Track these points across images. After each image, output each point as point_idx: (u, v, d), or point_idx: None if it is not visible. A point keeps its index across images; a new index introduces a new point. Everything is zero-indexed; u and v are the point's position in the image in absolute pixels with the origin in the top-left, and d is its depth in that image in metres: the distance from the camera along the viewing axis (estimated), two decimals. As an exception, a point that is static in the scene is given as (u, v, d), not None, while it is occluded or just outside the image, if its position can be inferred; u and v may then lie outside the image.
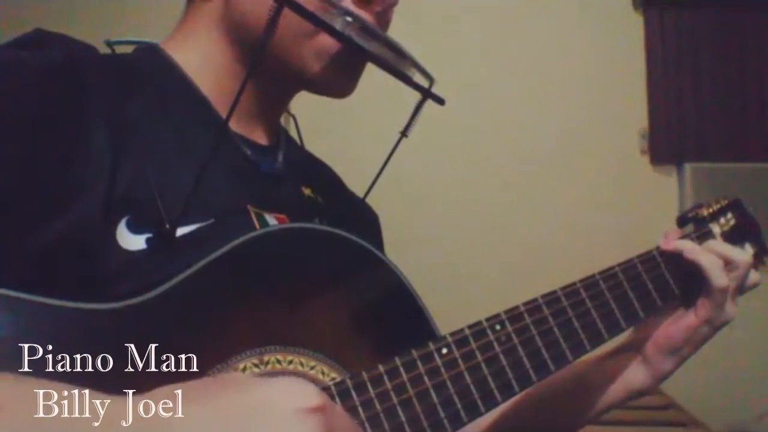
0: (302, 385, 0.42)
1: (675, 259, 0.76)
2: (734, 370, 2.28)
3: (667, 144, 2.53)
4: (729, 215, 0.84)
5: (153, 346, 0.50)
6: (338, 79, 0.67)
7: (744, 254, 0.76)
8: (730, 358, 2.18)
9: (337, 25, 0.61)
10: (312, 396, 0.41)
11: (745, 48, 2.55)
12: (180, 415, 0.39)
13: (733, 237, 0.82)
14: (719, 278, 0.73)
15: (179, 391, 0.41)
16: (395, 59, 0.65)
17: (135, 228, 0.54)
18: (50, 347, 0.46)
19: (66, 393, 0.39)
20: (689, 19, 2.57)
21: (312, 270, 0.59)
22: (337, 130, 2.27)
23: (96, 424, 0.38)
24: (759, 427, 2.26)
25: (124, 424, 0.38)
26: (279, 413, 0.40)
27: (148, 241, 0.54)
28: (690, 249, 0.75)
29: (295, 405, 0.40)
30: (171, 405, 0.40)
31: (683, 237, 0.79)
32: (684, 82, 2.55)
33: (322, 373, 0.57)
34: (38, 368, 0.43)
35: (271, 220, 0.64)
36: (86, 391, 0.40)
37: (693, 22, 2.57)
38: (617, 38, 2.59)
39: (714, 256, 0.74)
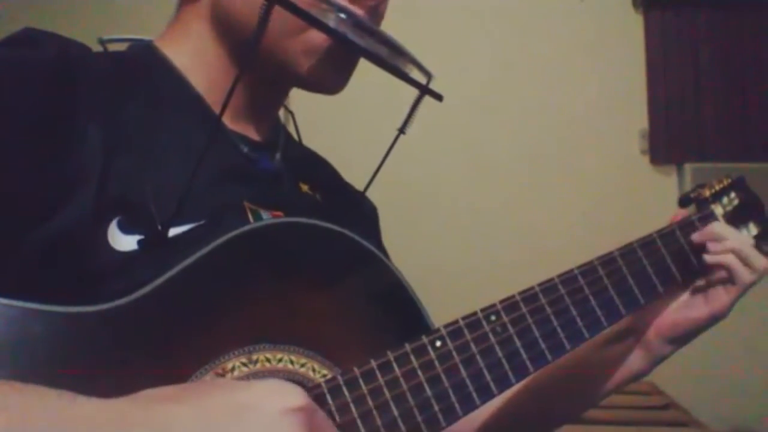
0: (285, 386, 0.42)
1: (675, 243, 0.75)
2: (734, 370, 2.27)
3: (667, 144, 2.52)
4: (732, 195, 0.82)
5: (139, 347, 0.49)
6: (329, 75, 0.66)
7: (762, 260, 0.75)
8: (730, 358, 2.17)
9: (331, 22, 0.60)
10: (295, 396, 0.41)
11: (745, 48, 2.54)
12: (166, 416, 0.39)
13: (736, 217, 0.80)
14: (747, 275, 0.72)
15: (164, 394, 0.41)
16: (391, 56, 0.64)
17: (126, 228, 0.54)
18: (35, 351, 0.46)
19: (53, 395, 0.39)
20: (689, 19, 2.56)
21: (302, 265, 0.58)
22: (336, 127, 2.26)
23: (81, 425, 0.38)
24: (759, 427, 2.25)
25: (104, 429, 0.38)
26: (263, 414, 0.40)
27: (139, 242, 0.54)
28: (713, 250, 0.74)
29: (279, 405, 0.41)
30: (153, 409, 0.40)
31: (685, 219, 0.77)
32: (684, 82, 2.54)
33: (313, 370, 0.56)
34: (23, 373, 0.43)
35: (267, 217, 0.64)
36: (72, 394, 0.40)
37: (693, 22, 2.56)
38: (617, 38, 2.58)
39: (735, 247, 0.73)
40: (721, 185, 0.82)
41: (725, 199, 0.81)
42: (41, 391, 0.40)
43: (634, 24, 2.59)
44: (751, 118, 2.51)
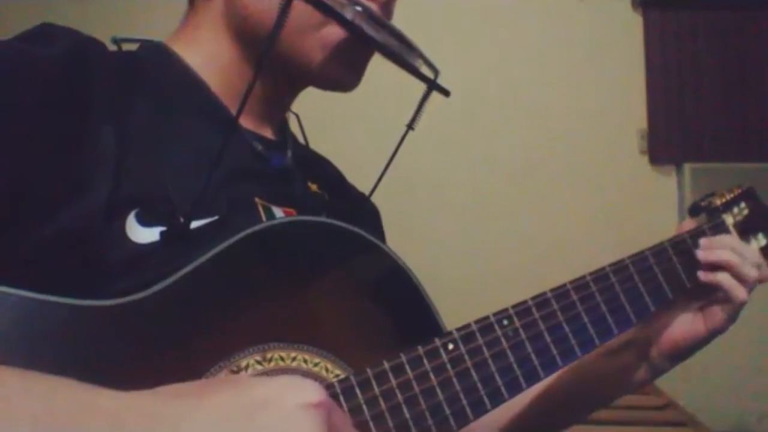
0: (304, 382, 0.42)
1: (687, 251, 0.75)
2: (734, 370, 2.28)
3: (666, 144, 2.53)
4: (742, 205, 0.82)
5: (154, 342, 0.50)
6: (344, 71, 0.66)
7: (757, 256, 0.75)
8: (730, 358, 2.18)
9: (347, 14, 0.60)
10: (314, 392, 0.41)
11: (745, 48, 2.55)
12: (187, 411, 0.39)
13: (746, 227, 0.80)
14: (742, 294, 0.72)
15: (185, 389, 0.41)
16: (403, 50, 0.64)
17: (145, 221, 0.54)
18: (52, 344, 0.46)
19: (72, 388, 0.39)
20: (689, 19, 2.57)
21: (316, 264, 0.59)
22: (341, 125, 2.26)
23: (99, 421, 0.38)
24: (759, 427, 2.26)
25: (127, 422, 0.38)
26: (281, 408, 0.40)
27: (161, 234, 0.54)
28: (709, 261, 0.74)
29: (298, 400, 0.40)
30: (174, 403, 0.40)
31: (696, 229, 0.77)
32: (684, 82, 2.55)
33: (326, 369, 0.56)
34: (39, 366, 0.43)
35: (279, 213, 0.64)
36: (96, 387, 0.40)
37: (693, 22, 2.57)
38: (617, 38, 2.58)
39: (732, 265, 0.73)
40: (732, 194, 0.82)
41: (735, 209, 0.81)
42: (66, 382, 0.40)
43: (634, 24, 2.60)
44: (751, 118, 2.52)
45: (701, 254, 0.74)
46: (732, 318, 0.74)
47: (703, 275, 0.74)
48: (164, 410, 0.39)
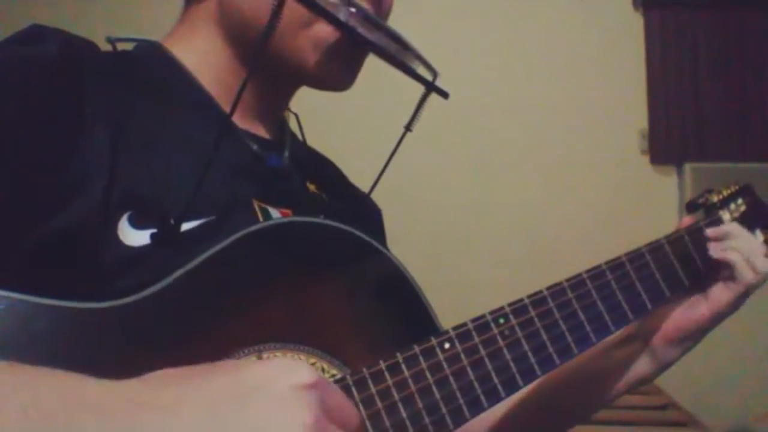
0: (296, 363, 0.42)
1: (684, 248, 0.75)
2: (734, 370, 2.28)
3: (667, 144, 2.52)
4: (739, 201, 0.82)
5: (148, 345, 0.49)
6: (337, 70, 0.66)
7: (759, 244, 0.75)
8: (730, 357, 2.18)
9: (341, 15, 0.60)
10: (306, 373, 0.41)
11: (745, 48, 2.55)
12: (175, 397, 0.39)
13: (743, 223, 0.80)
14: (749, 274, 0.72)
15: (173, 374, 0.41)
16: (399, 51, 0.64)
17: (137, 224, 0.54)
18: (45, 347, 0.46)
19: (59, 378, 0.39)
20: (689, 19, 2.56)
21: (311, 265, 0.59)
22: (340, 126, 2.26)
23: (86, 411, 0.38)
24: (759, 427, 2.25)
25: (115, 411, 0.38)
26: (274, 390, 0.39)
27: (152, 236, 0.53)
28: (717, 244, 0.74)
29: (290, 382, 0.40)
30: (164, 390, 0.39)
31: (693, 225, 0.77)
32: (684, 82, 2.54)
33: (322, 370, 0.56)
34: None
35: (276, 214, 0.64)
36: (79, 375, 0.40)
37: (693, 22, 2.56)
38: (617, 38, 2.58)
39: (742, 247, 0.73)
40: (729, 191, 0.82)
41: (732, 205, 0.81)
42: (54, 373, 0.39)
43: (635, 24, 2.59)
44: (751, 118, 2.51)
45: (711, 234, 0.75)
46: (736, 301, 0.73)
47: (713, 252, 0.74)
48: (154, 397, 0.39)
